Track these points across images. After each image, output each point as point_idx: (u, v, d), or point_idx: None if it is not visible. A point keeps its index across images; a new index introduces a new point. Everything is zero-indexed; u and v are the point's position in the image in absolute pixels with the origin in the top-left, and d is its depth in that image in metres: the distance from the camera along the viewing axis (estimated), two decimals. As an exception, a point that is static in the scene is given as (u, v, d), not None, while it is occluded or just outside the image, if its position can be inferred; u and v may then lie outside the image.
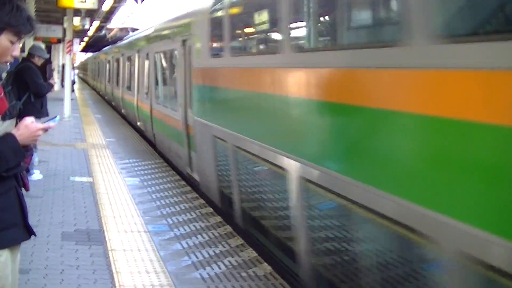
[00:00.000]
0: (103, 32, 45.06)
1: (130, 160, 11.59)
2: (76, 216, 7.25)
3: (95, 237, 6.46)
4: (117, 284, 5.12)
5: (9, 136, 2.72)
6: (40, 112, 9.15)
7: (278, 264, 5.86)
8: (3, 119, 2.77)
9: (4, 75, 2.88)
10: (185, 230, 6.92)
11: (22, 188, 2.91)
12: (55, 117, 3.04)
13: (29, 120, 2.79)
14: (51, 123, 2.88)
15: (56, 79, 20.86)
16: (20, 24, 2.73)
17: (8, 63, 2.85)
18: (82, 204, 7.89)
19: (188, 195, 8.72)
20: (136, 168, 10.75)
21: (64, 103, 19.03)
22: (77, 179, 9.51)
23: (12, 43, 2.75)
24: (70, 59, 20.73)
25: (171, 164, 11.53)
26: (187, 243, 6.43)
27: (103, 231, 6.66)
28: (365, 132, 3.86)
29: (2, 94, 2.84)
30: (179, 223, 7.21)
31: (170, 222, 7.22)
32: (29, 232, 2.90)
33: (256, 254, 6.12)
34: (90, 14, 27.22)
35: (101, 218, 7.17)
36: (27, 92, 8.99)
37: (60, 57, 34.25)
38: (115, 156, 11.99)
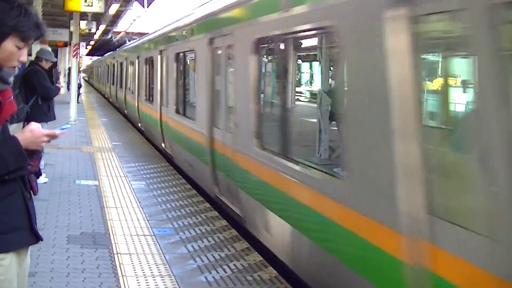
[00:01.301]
0: (110, 35, 45.18)
1: (136, 164, 11.60)
2: (82, 220, 7.26)
3: (101, 240, 6.47)
4: (122, 287, 5.13)
5: (11, 139, 2.68)
6: (47, 115, 9.20)
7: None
8: (11, 122, 2.77)
9: (11, 79, 2.80)
10: (190, 233, 6.92)
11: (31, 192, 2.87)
12: (67, 124, 3.02)
13: (35, 125, 2.75)
14: (57, 131, 2.82)
15: (62, 82, 20.93)
16: (27, 30, 2.66)
17: (16, 68, 2.76)
18: (88, 207, 7.90)
19: (194, 199, 8.72)
20: (142, 172, 10.76)
21: (70, 106, 19.08)
22: (83, 182, 9.53)
23: (19, 48, 2.68)
24: (76, 62, 20.78)
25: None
26: (192, 246, 6.43)
27: (109, 234, 6.68)
28: None
29: (12, 97, 2.84)
30: (185, 226, 7.21)
31: (176, 225, 7.23)
32: (36, 236, 2.86)
33: (261, 258, 6.12)
34: (97, 17, 27.29)
35: (107, 222, 7.18)
36: (35, 95, 9.03)
37: (67, 61, 34.36)
38: (121, 159, 12.01)
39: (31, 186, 2.85)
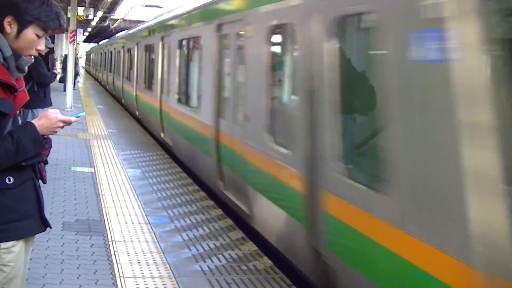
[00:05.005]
0: (107, 22, 44.99)
1: (132, 151, 11.59)
2: (77, 206, 7.26)
3: (95, 227, 6.47)
4: (117, 274, 5.13)
5: (28, 126, 2.73)
6: (43, 101, 9.16)
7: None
8: None
9: (26, 68, 2.86)
10: (185, 222, 6.93)
11: (40, 180, 2.91)
12: (81, 112, 3.03)
13: (51, 111, 2.79)
14: (72, 118, 2.84)
15: (58, 69, 20.87)
16: (49, 19, 2.74)
17: (32, 57, 2.82)
18: (83, 194, 7.89)
19: (189, 188, 8.72)
20: (137, 160, 10.76)
21: (67, 93, 19.01)
22: (79, 169, 9.52)
23: (38, 37, 2.75)
24: (73, 49, 20.69)
25: None
26: (187, 235, 6.44)
27: (104, 221, 6.67)
28: None
29: (24, 86, 2.86)
30: (180, 215, 7.22)
31: (171, 214, 7.23)
32: (45, 224, 2.91)
33: (256, 248, 6.13)
34: (94, 4, 27.19)
35: (102, 209, 7.18)
36: (31, 81, 8.98)
37: (64, 47, 34.24)
38: (116, 147, 11.99)
39: (41, 174, 2.89)
